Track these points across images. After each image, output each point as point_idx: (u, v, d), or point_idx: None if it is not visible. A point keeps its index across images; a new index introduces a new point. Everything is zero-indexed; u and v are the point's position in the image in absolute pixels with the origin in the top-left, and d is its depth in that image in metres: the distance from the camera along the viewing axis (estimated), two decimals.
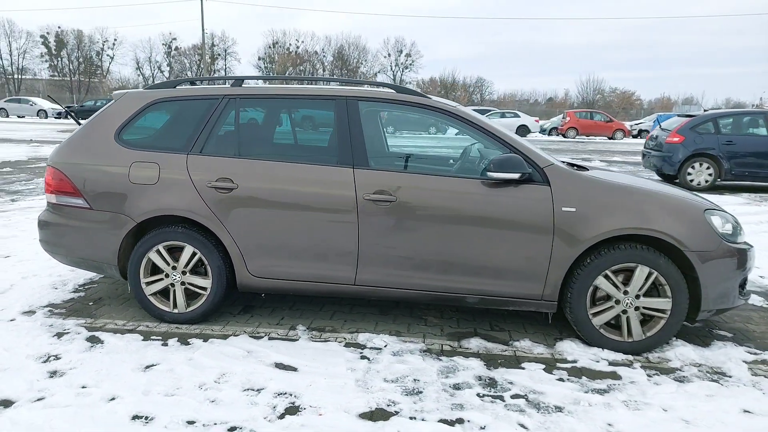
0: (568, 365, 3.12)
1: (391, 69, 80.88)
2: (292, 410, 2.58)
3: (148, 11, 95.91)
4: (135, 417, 2.50)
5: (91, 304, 3.85)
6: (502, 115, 31.97)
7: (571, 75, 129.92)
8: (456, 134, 4.61)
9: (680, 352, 3.27)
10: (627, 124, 32.60)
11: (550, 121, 34.57)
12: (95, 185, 3.47)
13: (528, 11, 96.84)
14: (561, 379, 2.95)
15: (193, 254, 3.44)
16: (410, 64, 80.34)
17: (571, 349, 3.29)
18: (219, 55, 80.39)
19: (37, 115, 34.56)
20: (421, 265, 3.33)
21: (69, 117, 30.76)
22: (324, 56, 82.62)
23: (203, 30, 38.74)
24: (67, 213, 3.54)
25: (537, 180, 3.26)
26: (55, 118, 34.39)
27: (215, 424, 2.46)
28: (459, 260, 3.30)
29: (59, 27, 73.98)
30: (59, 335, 3.31)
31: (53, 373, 2.86)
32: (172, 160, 3.42)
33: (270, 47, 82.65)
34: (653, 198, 3.27)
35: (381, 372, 2.96)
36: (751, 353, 3.34)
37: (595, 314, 3.28)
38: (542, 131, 32.55)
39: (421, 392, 2.77)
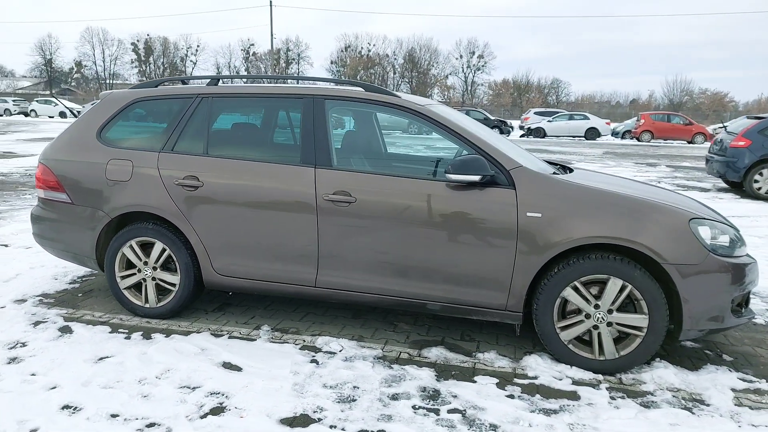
0: (526, 381, 2.91)
1: (463, 71, 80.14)
2: (217, 410, 2.56)
3: (228, 18, 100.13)
4: (65, 407, 2.56)
5: (80, 295, 4.02)
6: (570, 117, 30.83)
7: (657, 75, 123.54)
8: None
9: (659, 375, 2.97)
10: (710, 128, 30.53)
11: (623, 123, 32.96)
12: (76, 181, 3.61)
13: (610, 9, 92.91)
14: (511, 396, 2.76)
15: (163, 250, 3.51)
16: (483, 66, 79.17)
17: (536, 364, 3.07)
18: (293, 59, 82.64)
19: (60, 116, 35.77)
20: (380, 269, 3.22)
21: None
22: (395, 59, 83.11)
23: (272, 36, 40.16)
24: (53, 207, 3.71)
25: (502, 183, 3.07)
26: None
27: (136, 419, 2.48)
28: (419, 265, 3.16)
29: (148, 35, 78.66)
30: (36, 324, 3.46)
31: (12, 360, 2.99)
32: (144, 157, 3.51)
33: (342, 51, 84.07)
34: (630, 204, 2.99)
35: (324, 377, 2.89)
36: (744, 381, 2.99)
37: (564, 328, 3.05)
38: (614, 134, 31.10)
39: (354, 400, 2.68)
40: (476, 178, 3.00)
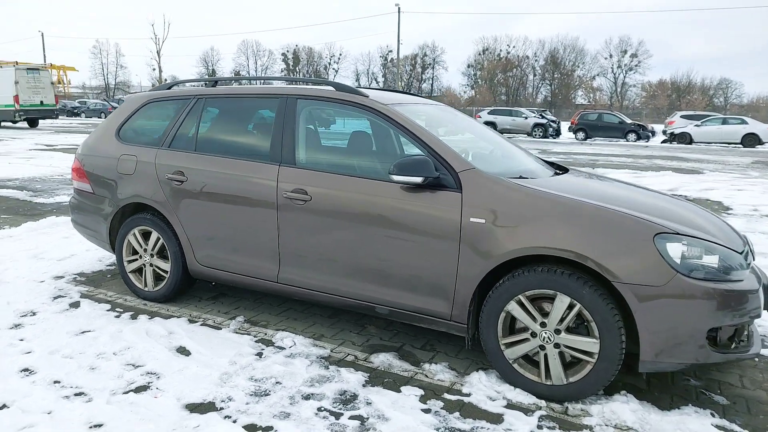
0: (455, 398, 2.73)
1: (612, 71, 75.31)
2: (140, 389, 2.74)
3: (369, 25, 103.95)
4: (23, 370, 2.90)
5: (108, 276, 4.48)
6: (724, 122, 27.57)
7: None
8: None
9: (612, 409, 2.62)
10: None
11: None
12: (97, 174, 4.04)
13: None
14: (427, 410, 2.60)
15: (158, 239, 3.81)
16: (636, 66, 73.70)
17: (478, 381, 2.86)
18: (429, 64, 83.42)
19: None
20: (333, 269, 3.21)
21: None
22: (535, 60, 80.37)
23: (398, 43, 40.95)
24: (81, 196, 4.19)
25: (450, 185, 2.90)
26: None
27: (70, 387, 2.74)
28: (368, 267, 3.10)
29: (296, 45, 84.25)
30: (55, 297, 3.94)
31: (15, 326, 3.44)
32: (146, 153, 3.83)
33: (480, 54, 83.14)
34: (587, 213, 2.66)
35: (256, 370, 2.95)
36: (721, 429, 2.52)
37: (508, 345, 2.81)
38: None
39: (267, 395, 2.71)
40: (418, 179, 2.87)
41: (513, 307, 2.75)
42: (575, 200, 2.73)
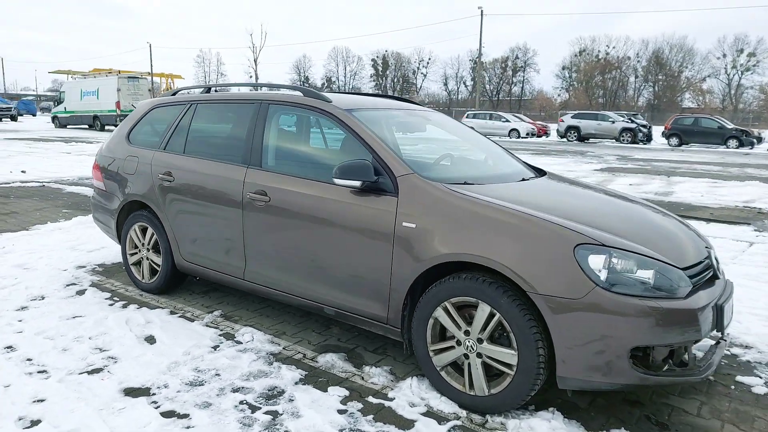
0: (378, 401, 2.74)
1: (726, 72, 69.92)
2: (94, 371, 2.98)
3: (458, 29, 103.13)
4: (8, 347, 3.24)
5: (123, 268, 4.87)
6: None
7: None
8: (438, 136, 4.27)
9: (530, 425, 2.53)
10: None
11: None
12: (108, 173, 4.42)
13: None
14: (343, 411, 2.65)
15: (152, 235, 4.10)
16: (754, 66, 67.93)
17: (409, 387, 2.86)
18: (520, 67, 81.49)
19: None
20: (288, 268, 3.32)
21: None
22: (638, 61, 76.20)
23: (480, 45, 40.22)
24: (98, 193, 4.60)
25: (389, 190, 2.92)
26: None
27: (39, 365, 3.04)
28: (316, 267, 3.18)
29: (386, 50, 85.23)
30: (68, 285, 4.35)
31: (22, 308, 3.84)
32: (146, 154, 4.14)
33: (576, 55, 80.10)
34: (510, 221, 2.59)
35: (204, 361, 3.12)
36: None
37: (436, 352, 2.78)
38: None
39: (201, 385, 2.86)
40: (357, 183, 2.92)
41: (440, 314, 2.73)
42: (502, 207, 2.65)
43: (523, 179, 3.43)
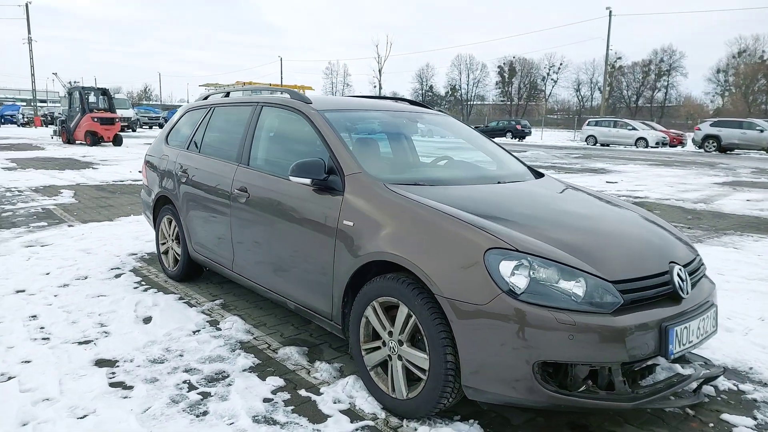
0: (306, 394, 2.80)
1: None
2: (84, 342, 3.35)
3: (592, 32, 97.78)
4: (32, 316, 3.74)
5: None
6: None
7: None
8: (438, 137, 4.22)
9: None
10: None
11: None
12: (149, 170, 4.92)
13: None
14: (268, 400, 2.74)
15: (175, 227, 4.49)
16: None
17: (345, 384, 2.88)
18: (665, 71, 75.43)
19: None
20: (262, 262, 3.48)
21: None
22: None
23: (608, 48, 37.81)
24: (143, 189, 5.11)
25: (338, 188, 2.97)
26: None
27: (46, 333, 3.47)
28: (279, 262, 3.31)
29: (513, 56, 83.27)
30: (112, 269, 4.88)
31: (64, 285, 4.39)
32: (173, 154, 4.55)
33: (734, 57, 72.24)
34: (431, 221, 2.53)
35: (177, 342, 3.37)
36: None
37: (367, 351, 2.77)
38: None
39: (161, 363, 3.10)
40: (307, 181, 3.00)
41: (369, 313, 2.72)
42: (426, 208, 2.60)
43: (499, 182, 3.29)
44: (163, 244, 4.73)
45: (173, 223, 4.51)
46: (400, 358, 2.60)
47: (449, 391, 2.40)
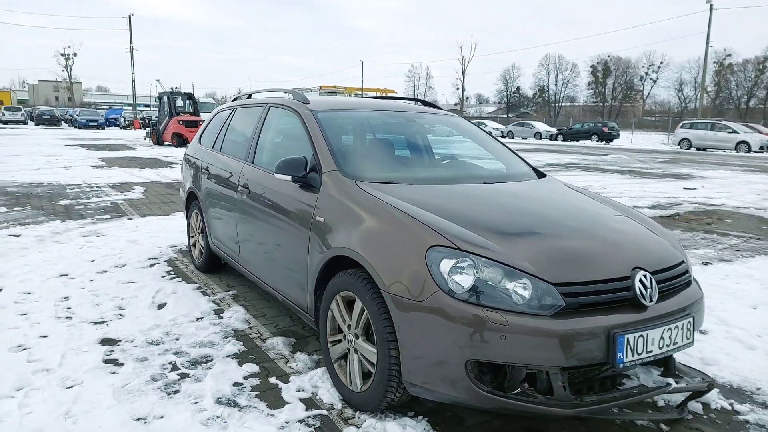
0: (275, 382, 2.92)
1: None
2: (98, 323, 3.66)
3: (698, 28, 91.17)
4: (65, 297, 4.13)
5: None
6: None
7: None
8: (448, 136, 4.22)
9: (384, 427, 2.48)
10: None
11: None
12: (184, 168, 5.25)
13: None
14: (237, 384, 2.89)
15: (201, 221, 4.78)
16: None
17: (314, 374, 2.98)
18: None
19: None
20: (258, 255, 3.64)
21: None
22: None
23: (707, 45, 35.16)
24: (181, 185, 5.47)
25: (316, 185, 3.07)
26: None
27: (70, 314, 3.83)
28: (270, 255, 3.45)
29: (608, 55, 79.39)
30: (150, 258, 5.26)
31: (103, 272, 4.80)
32: (202, 152, 4.84)
33: None
34: (384, 218, 2.57)
35: (179, 327, 3.60)
36: None
37: (332, 344, 2.85)
38: None
39: (157, 345, 3.34)
40: (288, 177, 3.12)
41: (334, 307, 2.79)
42: (384, 206, 2.63)
43: (485, 182, 3.25)
44: (192, 237, 5.04)
45: (199, 217, 4.80)
46: (356, 351, 2.65)
47: (394, 386, 2.43)
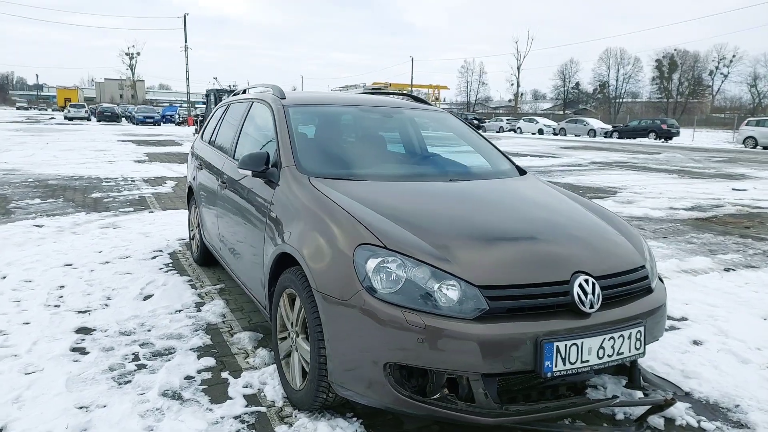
0: (227, 377, 2.92)
1: None
2: (84, 312, 3.78)
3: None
4: (60, 286, 4.30)
5: None
6: None
7: None
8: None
9: (315, 426, 2.43)
10: None
11: None
12: (189, 163, 5.36)
13: None
14: (188, 377, 2.91)
15: (197, 215, 4.86)
16: None
17: (265, 371, 2.96)
18: None
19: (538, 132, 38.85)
20: (232, 249, 3.66)
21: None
22: None
23: None
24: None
25: (275, 181, 3.05)
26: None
27: (59, 302, 3.97)
28: (238, 250, 3.47)
29: (675, 49, 75.67)
30: (154, 251, 5.39)
31: (106, 262, 4.96)
32: (199, 147, 4.92)
33: None
34: (322, 215, 2.52)
35: (155, 318, 3.67)
36: None
37: (280, 340, 2.83)
38: None
39: (128, 335, 3.41)
40: (248, 172, 3.11)
41: (282, 304, 2.77)
42: (326, 202, 2.59)
43: (452, 180, 3.15)
44: (192, 230, 5.13)
45: (196, 211, 4.89)
46: (296, 349, 2.62)
47: (324, 386, 2.38)
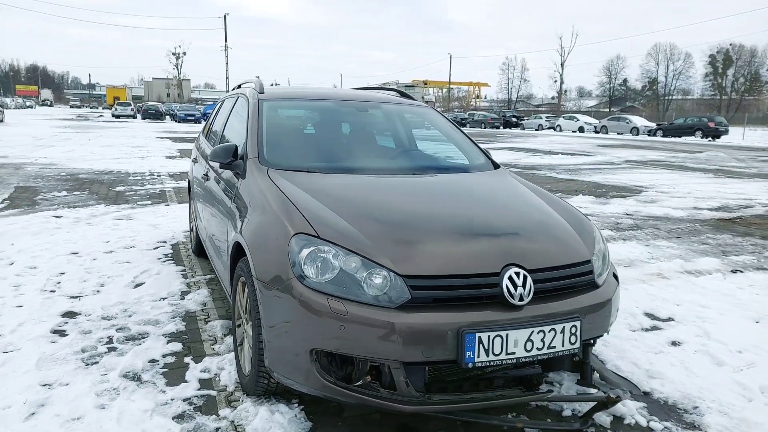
0: (188, 362, 3.02)
1: None
2: (76, 297, 3.96)
3: None
4: (61, 273, 4.51)
5: None
6: None
7: None
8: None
9: (257, 411, 2.50)
10: None
11: None
12: (191, 158, 5.53)
13: None
14: (153, 361, 3.03)
15: (195, 208, 5.01)
16: None
17: (224, 357, 3.05)
18: None
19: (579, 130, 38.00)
20: (210, 238, 3.77)
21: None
22: None
23: None
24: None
25: (241, 173, 3.13)
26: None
27: (56, 288, 4.17)
28: (212, 241, 3.57)
29: (730, 44, 72.65)
30: (159, 241, 5.58)
31: (110, 252, 5.17)
32: (200, 141, 5.07)
33: None
34: (271, 206, 2.59)
35: (138, 305, 3.81)
36: None
37: (237, 326, 2.91)
38: None
39: (108, 320, 3.56)
40: (216, 164, 3.21)
41: (238, 292, 2.85)
42: (275, 193, 2.66)
43: (414, 174, 3.16)
44: (191, 222, 5.29)
45: (194, 202, 5.04)
46: (246, 336, 2.69)
47: (264, 372, 2.44)
